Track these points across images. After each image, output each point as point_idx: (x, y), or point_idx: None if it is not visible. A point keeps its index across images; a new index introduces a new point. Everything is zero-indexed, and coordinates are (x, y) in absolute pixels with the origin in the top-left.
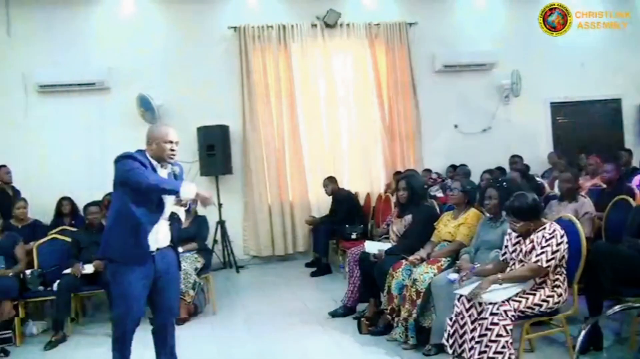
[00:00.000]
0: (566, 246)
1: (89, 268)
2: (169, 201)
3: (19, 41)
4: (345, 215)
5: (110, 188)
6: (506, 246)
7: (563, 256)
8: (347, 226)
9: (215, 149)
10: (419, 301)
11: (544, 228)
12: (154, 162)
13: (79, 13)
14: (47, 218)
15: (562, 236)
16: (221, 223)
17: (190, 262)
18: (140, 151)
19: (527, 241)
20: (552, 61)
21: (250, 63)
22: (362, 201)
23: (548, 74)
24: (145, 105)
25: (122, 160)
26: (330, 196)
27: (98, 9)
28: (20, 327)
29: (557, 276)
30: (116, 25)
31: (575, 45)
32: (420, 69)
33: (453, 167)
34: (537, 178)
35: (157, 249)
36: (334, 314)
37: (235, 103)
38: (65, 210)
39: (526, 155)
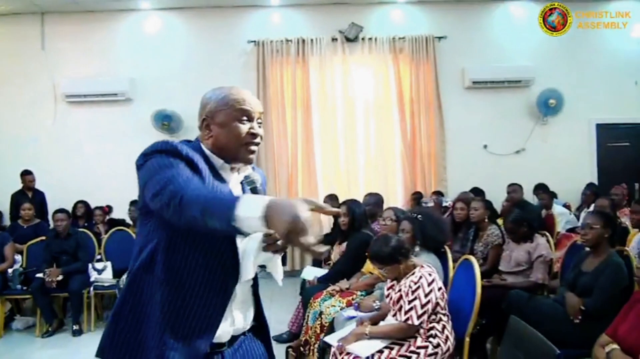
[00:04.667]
0: (439, 292)
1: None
2: (251, 247)
3: (52, 54)
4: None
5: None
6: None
7: (437, 303)
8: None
9: None
10: (322, 336)
11: (413, 273)
12: (216, 161)
13: (107, 27)
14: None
15: (430, 283)
16: None
17: None
18: (188, 142)
19: (397, 286)
20: (599, 78)
21: (267, 76)
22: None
23: (593, 92)
24: (166, 119)
25: (151, 158)
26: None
27: (124, 23)
28: (1, 320)
29: (433, 324)
30: (140, 38)
31: (628, 60)
32: (448, 85)
33: (476, 191)
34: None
35: (232, 338)
36: (277, 339)
37: None
38: (79, 212)
39: (563, 181)
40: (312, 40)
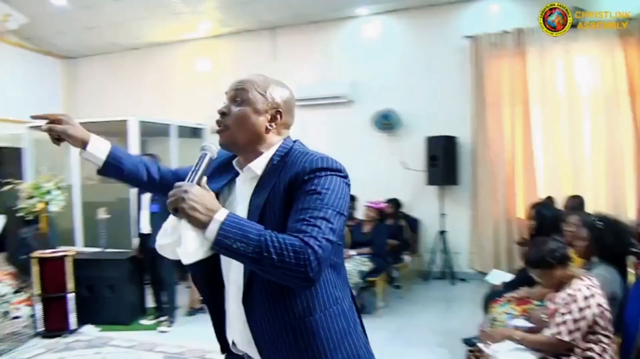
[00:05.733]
0: (599, 309)
1: None
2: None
3: (283, 64)
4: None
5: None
6: None
7: (596, 322)
8: None
9: (437, 160)
10: None
11: (570, 285)
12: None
13: (329, 35)
14: None
15: (587, 298)
16: (442, 232)
17: (355, 264)
18: None
19: (555, 298)
20: None
21: (483, 72)
22: None
23: None
24: (386, 119)
25: None
26: None
27: (344, 29)
28: None
29: (591, 345)
30: (359, 42)
31: None
32: None
33: None
34: None
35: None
36: (467, 341)
37: (465, 114)
38: None
39: None
40: (531, 29)
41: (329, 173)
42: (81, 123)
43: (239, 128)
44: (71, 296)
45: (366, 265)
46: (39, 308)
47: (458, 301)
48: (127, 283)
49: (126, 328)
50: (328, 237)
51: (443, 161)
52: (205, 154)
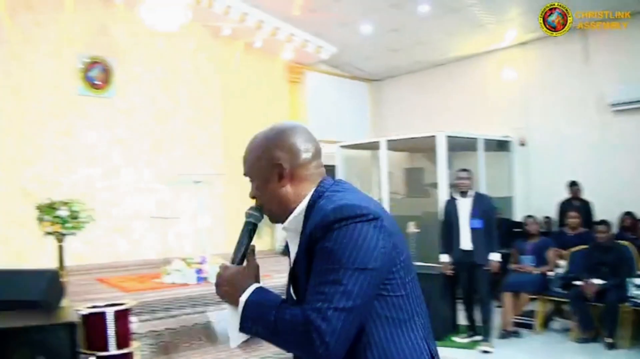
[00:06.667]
0: None
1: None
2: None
3: (596, 67)
4: None
5: None
6: None
7: None
8: None
9: None
10: None
11: None
12: None
13: None
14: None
15: None
16: None
17: None
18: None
19: None
20: None
21: None
22: None
23: None
24: None
25: None
26: None
27: None
28: (542, 319)
29: None
30: None
31: None
32: None
33: None
34: None
35: None
36: None
37: None
38: (626, 223)
39: None
40: None
41: (344, 223)
42: (390, 141)
43: (268, 203)
44: None
45: None
46: None
47: None
48: (439, 298)
49: (439, 343)
50: (336, 306)
51: None
52: (249, 223)
